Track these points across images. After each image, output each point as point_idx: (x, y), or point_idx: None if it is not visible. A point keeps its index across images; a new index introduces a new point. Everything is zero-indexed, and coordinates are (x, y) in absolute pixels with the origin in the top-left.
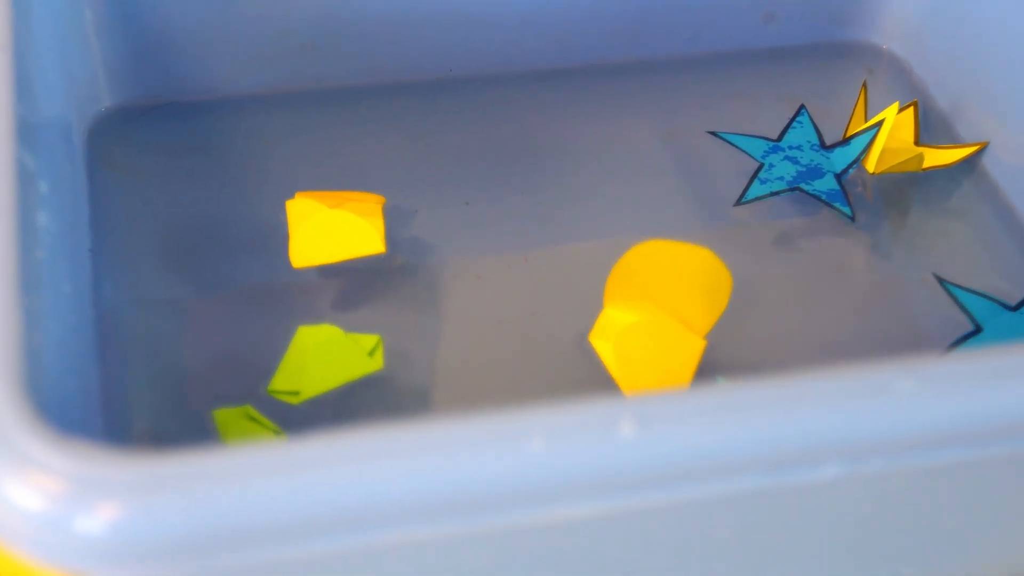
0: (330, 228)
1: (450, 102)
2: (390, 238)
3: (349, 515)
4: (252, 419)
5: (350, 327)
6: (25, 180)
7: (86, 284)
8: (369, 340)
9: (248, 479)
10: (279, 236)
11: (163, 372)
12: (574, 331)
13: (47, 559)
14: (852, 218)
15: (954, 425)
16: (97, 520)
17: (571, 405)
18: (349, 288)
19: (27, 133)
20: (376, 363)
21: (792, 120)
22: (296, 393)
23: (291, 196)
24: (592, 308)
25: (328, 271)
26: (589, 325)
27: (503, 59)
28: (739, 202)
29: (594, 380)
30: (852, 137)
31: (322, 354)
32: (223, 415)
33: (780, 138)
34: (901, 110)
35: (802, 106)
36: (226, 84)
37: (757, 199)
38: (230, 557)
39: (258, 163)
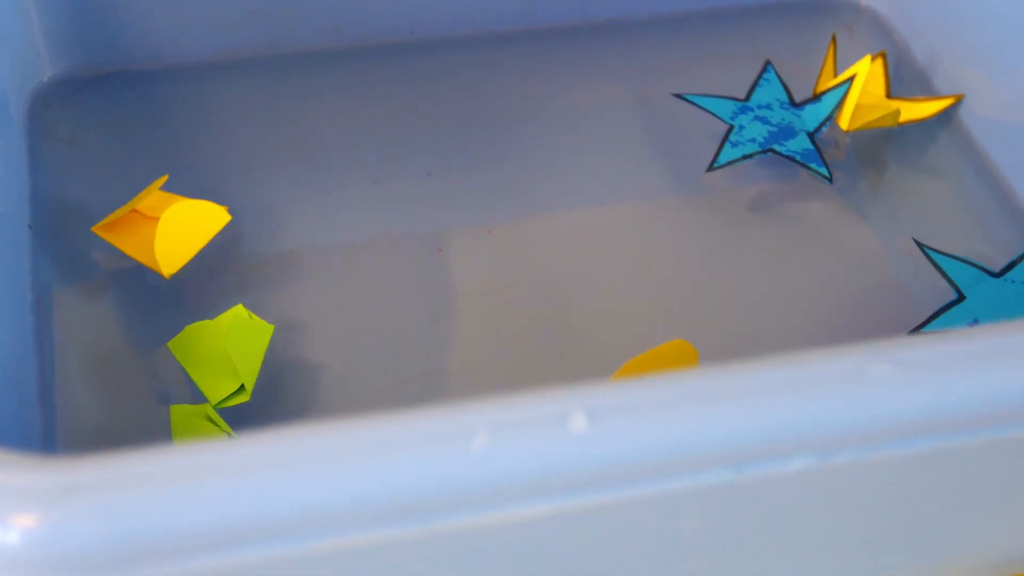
0: (179, 224)
1: (410, 66)
2: (350, 210)
3: (279, 521)
4: (209, 419)
5: (299, 303)
6: None
7: (24, 268)
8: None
9: (171, 484)
10: (231, 210)
11: (104, 359)
12: (540, 307)
13: None
14: (830, 179)
15: (932, 413)
16: (11, 531)
17: (519, 397)
18: (304, 261)
19: None
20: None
21: (758, 77)
22: (241, 389)
23: (244, 167)
24: (559, 283)
25: (282, 242)
26: (556, 301)
27: (467, 21)
28: (711, 167)
29: (560, 357)
30: (823, 93)
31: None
32: (179, 411)
33: (748, 97)
34: (872, 60)
35: (768, 62)
36: (174, 51)
37: (729, 163)
38: (153, 568)
39: (208, 133)
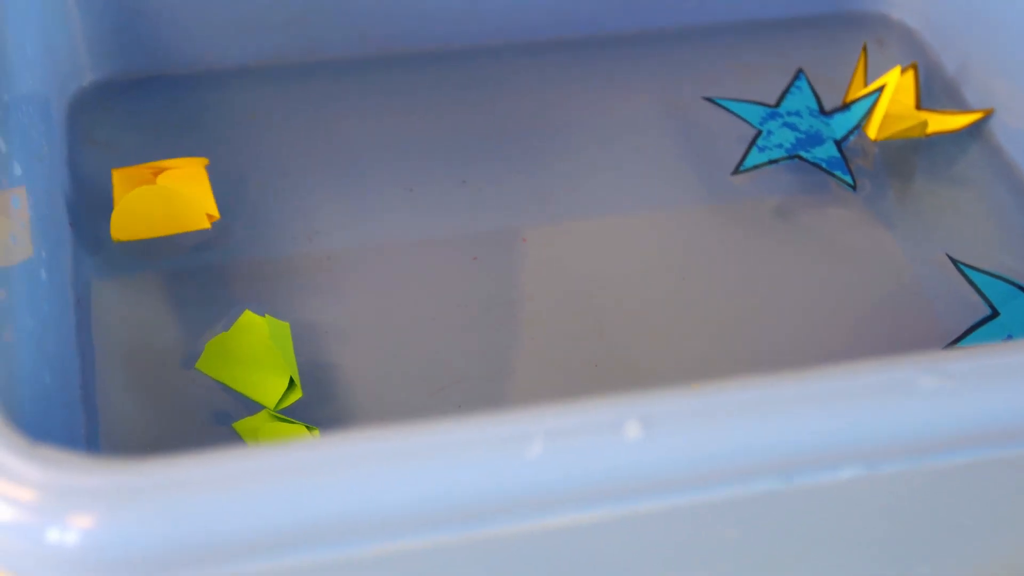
0: (155, 202)
1: (444, 75)
2: (385, 217)
3: (337, 525)
4: (280, 421)
5: (334, 308)
6: None
7: (65, 268)
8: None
9: (227, 488)
10: (267, 214)
11: (145, 359)
12: (574, 314)
13: (19, 571)
14: (853, 187)
15: (979, 425)
16: (70, 531)
17: (573, 405)
18: (338, 267)
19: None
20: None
21: (790, 85)
22: (292, 386)
23: (279, 172)
24: (593, 291)
25: (317, 247)
26: (589, 308)
27: (499, 31)
28: (737, 170)
29: (596, 365)
30: (852, 103)
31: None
32: (245, 426)
33: (778, 104)
34: (903, 72)
35: (800, 70)
36: (212, 57)
37: (756, 167)
38: (209, 569)
39: (243, 138)
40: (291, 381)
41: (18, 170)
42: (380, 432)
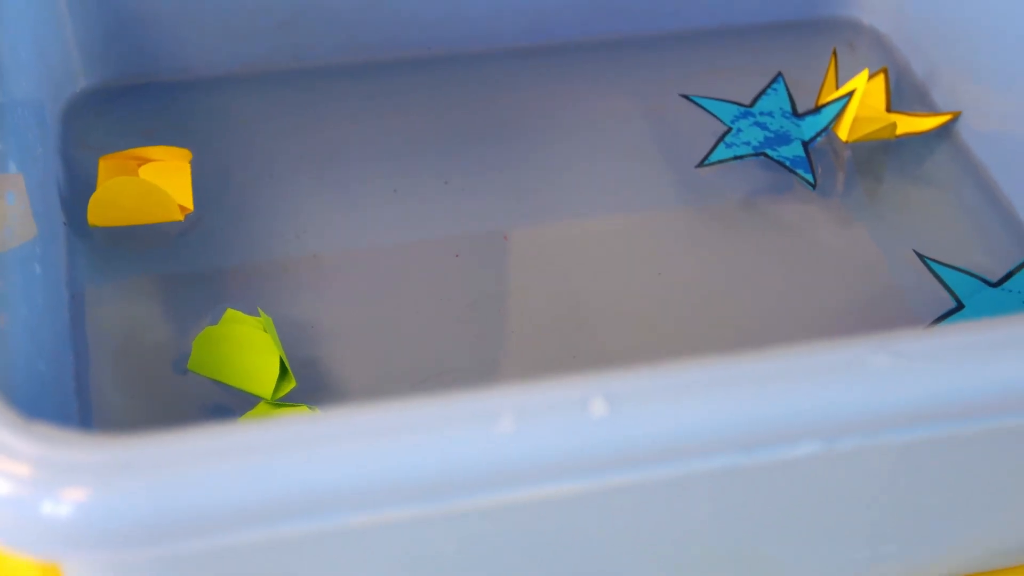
0: (131, 192)
1: (428, 80)
2: (370, 217)
3: (319, 497)
4: (279, 406)
5: (320, 305)
6: None
7: (59, 265)
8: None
9: (217, 461)
10: (256, 216)
11: (137, 355)
12: (554, 310)
13: (14, 544)
14: (813, 186)
15: (932, 401)
16: (63, 504)
17: (541, 383)
18: (325, 266)
19: None
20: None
21: (767, 87)
22: (285, 377)
23: (267, 175)
24: (572, 287)
25: (304, 247)
26: (569, 304)
27: (482, 36)
28: (701, 164)
29: (574, 357)
30: (822, 106)
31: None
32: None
33: (752, 104)
34: (871, 77)
35: (779, 73)
36: (202, 63)
37: (720, 162)
38: (200, 541)
39: (233, 142)
40: (283, 370)
41: (13, 169)
42: (361, 409)
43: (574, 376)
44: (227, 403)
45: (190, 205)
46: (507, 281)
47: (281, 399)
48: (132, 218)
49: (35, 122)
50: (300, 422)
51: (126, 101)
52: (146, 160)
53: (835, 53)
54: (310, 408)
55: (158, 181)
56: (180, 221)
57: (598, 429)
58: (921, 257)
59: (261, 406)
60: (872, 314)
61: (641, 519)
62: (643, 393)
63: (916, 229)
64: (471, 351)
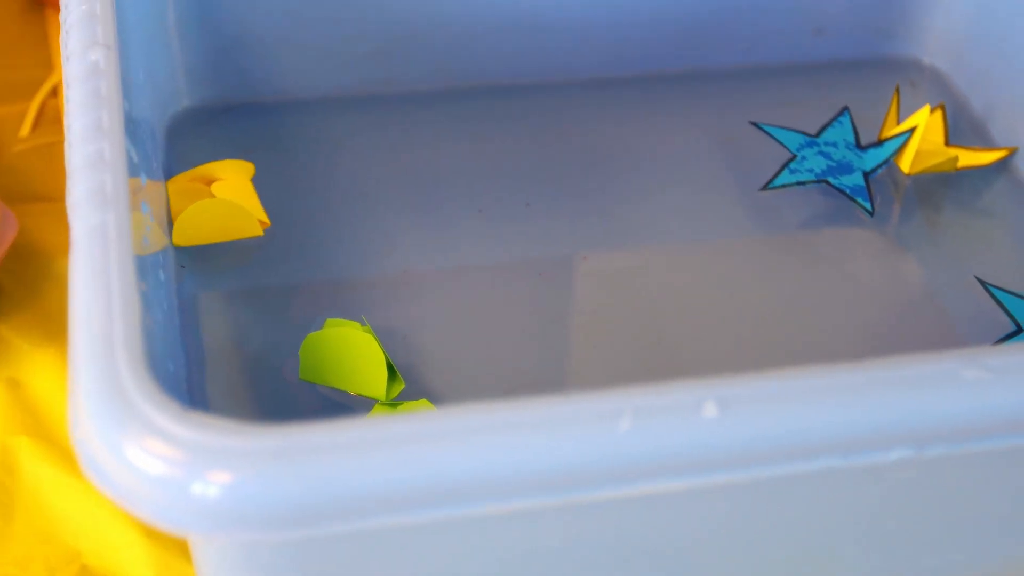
0: (215, 212)
1: (512, 108)
2: (454, 234)
3: (448, 487)
4: (396, 405)
5: (410, 319)
6: (133, 172)
7: (171, 272)
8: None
9: (354, 452)
10: (346, 232)
11: (242, 361)
12: (633, 329)
13: (167, 521)
14: (871, 213)
15: (1019, 413)
16: (212, 486)
17: (658, 387)
18: (414, 282)
19: (131, 127)
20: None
21: (833, 119)
22: (395, 378)
23: (359, 194)
24: (650, 306)
25: (394, 265)
26: (647, 322)
27: (566, 67)
28: (766, 187)
29: (652, 372)
30: (885, 140)
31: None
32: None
33: (818, 134)
34: (932, 112)
35: (845, 107)
36: (298, 86)
37: (783, 186)
38: (334, 525)
39: (327, 163)
40: (391, 372)
41: (143, 180)
42: (490, 407)
43: (688, 381)
44: (331, 406)
45: (266, 219)
46: (586, 300)
47: (394, 399)
48: (214, 236)
49: (150, 138)
50: (430, 418)
51: (226, 121)
52: (211, 179)
53: (898, 89)
54: (430, 404)
55: (229, 197)
56: (260, 236)
57: (709, 430)
58: (982, 282)
59: (379, 407)
60: (929, 337)
61: (735, 517)
62: (751, 398)
63: (974, 258)
64: (555, 368)
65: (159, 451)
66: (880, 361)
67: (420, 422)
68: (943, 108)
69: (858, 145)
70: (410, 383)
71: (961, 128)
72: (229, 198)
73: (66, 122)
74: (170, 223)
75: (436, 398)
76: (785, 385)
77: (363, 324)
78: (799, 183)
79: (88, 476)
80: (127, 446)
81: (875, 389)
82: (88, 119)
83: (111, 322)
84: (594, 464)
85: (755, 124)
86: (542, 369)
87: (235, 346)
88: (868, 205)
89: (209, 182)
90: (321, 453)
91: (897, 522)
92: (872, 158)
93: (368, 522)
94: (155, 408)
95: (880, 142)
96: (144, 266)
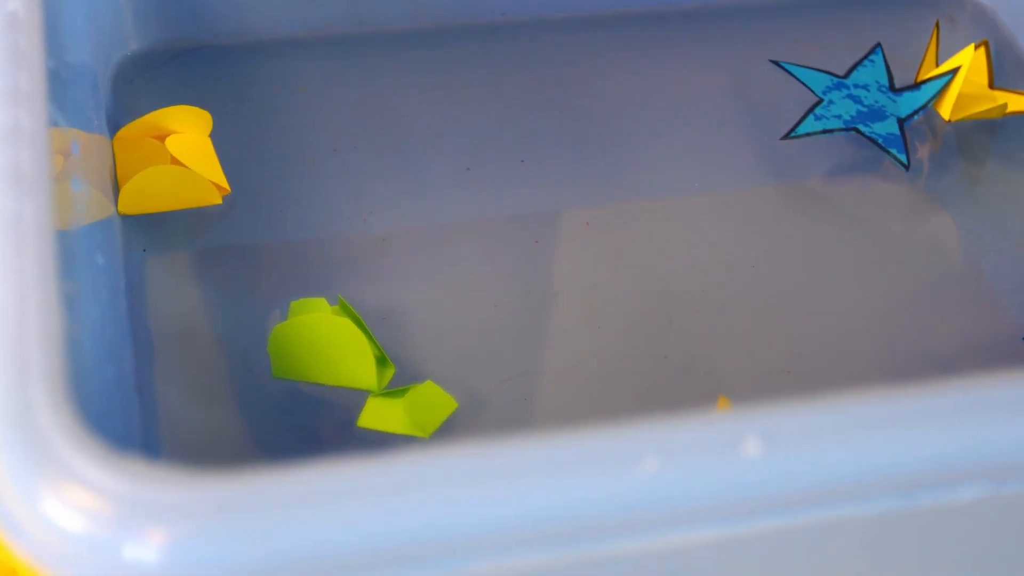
0: (166, 179)
1: (502, 49)
2: (442, 197)
3: (437, 544)
4: (396, 393)
5: (392, 293)
6: (60, 143)
7: (116, 250)
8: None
9: (315, 504)
10: (317, 195)
11: (199, 346)
12: (641, 303)
13: None
14: (907, 167)
15: None
16: (148, 547)
17: (688, 420)
18: (395, 249)
19: (58, 88)
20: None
21: (864, 57)
22: (384, 363)
23: (330, 149)
24: (657, 276)
25: (373, 229)
26: (656, 296)
27: (559, 2)
28: (788, 135)
29: (665, 356)
30: (923, 82)
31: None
32: (371, 418)
33: (847, 75)
34: (975, 50)
35: (878, 44)
36: (261, 26)
37: (807, 135)
38: None
39: (293, 115)
40: (380, 356)
41: (75, 150)
42: (487, 446)
43: (727, 413)
44: (306, 399)
45: (225, 184)
46: (589, 270)
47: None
48: (166, 205)
49: (90, 92)
50: (411, 462)
51: (178, 66)
52: (163, 131)
53: (938, 25)
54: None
55: (185, 159)
56: (219, 204)
57: (750, 470)
58: None
59: (374, 400)
60: (967, 311)
61: (789, 565)
62: (799, 431)
63: (1021, 218)
64: (554, 348)
65: (83, 503)
66: (948, 383)
67: (400, 467)
68: (987, 45)
69: (892, 88)
70: (398, 366)
71: (1007, 69)
72: (184, 158)
73: None
74: (116, 187)
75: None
76: (834, 416)
77: (334, 303)
78: (825, 131)
79: None
80: (44, 497)
81: (944, 416)
82: (3, 82)
83: (24, 341)
84: (613, 512)
85: (776, 63)
86: (539, 353)
87: (191, 331)
88: (903, 157)
89: (160, 135)
90: (280, 506)
91: (972, 561)
92: (908, 103)
93: None
94: (78, 451)
95: (917, 85)
96: (75, 256)
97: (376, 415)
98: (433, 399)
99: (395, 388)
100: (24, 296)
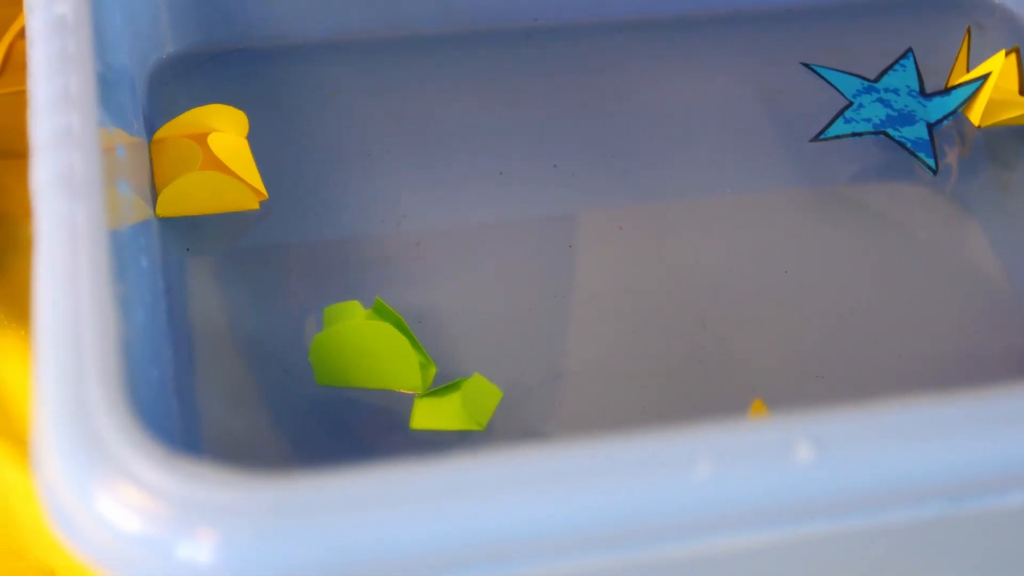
0: (203, 185)
1: (534, 53)
2: (475, 201)
3: (492, 548)
4: (443, 392)
5: (427, 295)
6: (108, 146)
7: (155, 255)
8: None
9: (366, 506)
10: (351, 198)
11: (237, 349)
12: (674, 307)
13: None
14: (935, 171)
15: None
16: (201, 547)
17: (740, 425)
18: (429, 253)
19: (105, 90)
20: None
21: (895, 62)
22: (426, 363)
23: (362, 152)
24: (690, 279)
25: (407, 232)
26: (690, 300)
27: (592, 7)
28: (817, 137)
29: (700, 361)
30: (953, 88)
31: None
32: (422, 418)
33: (878, 79)
34: (1007, 55)
35: (909, 49)
36: (294, 30)
37: (837, 137)
38: None
39: (327, 116)
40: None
41: (121, 153)
42: (540, 450)
43: (777, 418)
44: (333, 397)
45: (262, 189)
46: (622, 274)
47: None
48: (204, 208)
49: (129, 95)
50: (464, 466)
51: (214, 69)
52: (200, 130)
53: (969, 31)
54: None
55: (225, 158)
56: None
57: (802, 475)
58: None
59: (422, 400)
60: (996, 318)
61: (837, 569)
62: (851, 436)
63: None
64: (587, 352)
65: (138, 504)
66: (996, 389)
67: (452, 470)
68: (1018, 52)
69: (922, 93)
70: (436, 366)
71: None
72: (225, 158)
73: (29, 87)
74: (153, 191)
75: None
76: (887, 420)
77: (368, 306)
78: (855, 134)
79: (54, 529)
80: (100, 497)
81: (990, 422)
82: (54, 86)
83: (81, 343)
84: (666, 517)
85: (806, 65)
86: (573, 358)
87: (230, 332)
88: (931, 162)
89: (197, 135)
90: (332, 508)
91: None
92: (938, 108)
93: None
94: (134, 451)
95: (947, 90)
96: (123, 259)
97: (428, 415)
98: (483, 390)
99: (442, 386)
100: (80, 298)
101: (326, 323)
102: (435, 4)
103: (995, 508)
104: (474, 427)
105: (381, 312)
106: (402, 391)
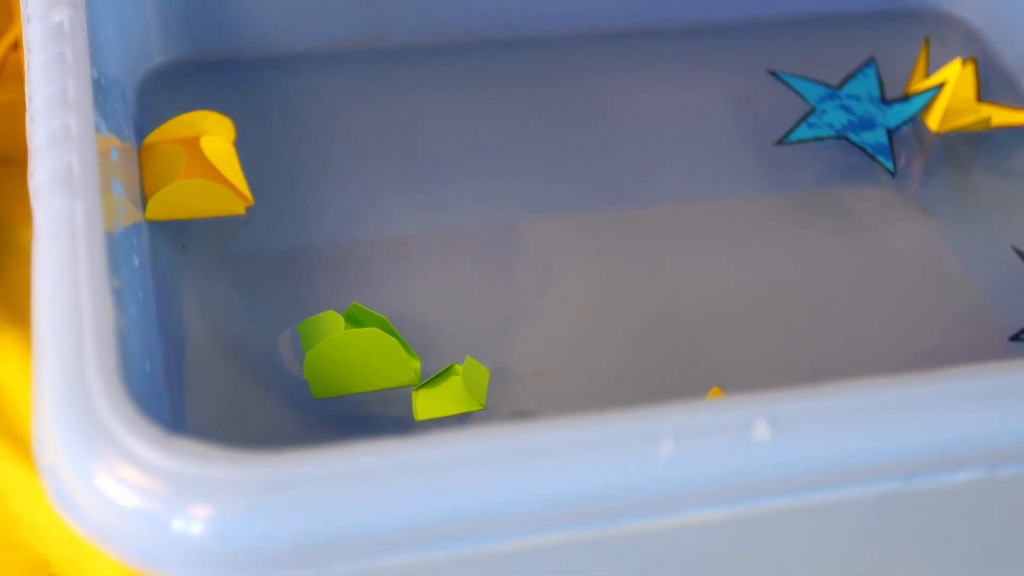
0: (191, 191)
1: (514, 63)
2: (454, 202)
3: (467, 521)
4: (437, 381)
5: (408, 297)
6: (103, 148)
7: (144, 253)
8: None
9: (355, 482)
10: (336, 202)
11: (225, 348)
12: (648, 306)
13: (143, 560)
14: (893, 173)
15: None
16: (195, 521)
17: (701, 405)
18: (412, 256)
19: (100, 96)
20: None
21: (857, 70)
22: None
23: (349, 159)
24: (663, 280)
25: (390, 237)
26: (663, 300)
27: (569, 20)
28: (781, 141)
29: (677, 359)
30: (912, 95)
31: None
32: (424, 408)
33: (841, 86)
34: (963, 66)
35: (872, 57)
36: (281, 41)
37: (800, 141)
38: (335, 565)
39: (312, 124)
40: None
41: (115, 155)
42: (511, 430)
43: (736, 398)
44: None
45: (248, 194)
46: (600, 276)
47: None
48: (192, 213)
49: (120, 102)
50: (444, 443)
51: (202, 78)
52: (188, 135)
53: (927, 41)
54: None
55: (216, 161)
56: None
57: (760, 453)
58: (1020, 253)
59: (420, 392)
60: (956, 313)
61: (792, 544)
62: (807, 416)
63: (1005, 226)
64: (565, 349)
65: (135, 480)
66: (946, 372)
67: (434, 448)
68: (975, 62)
69: (883, 99)
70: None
71: (992, 85)
72: (215, 160)
73: (28, 92)
74: (143, 194)
75: None
76: (842, 401)
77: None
78: (817, 138)
79: (54, 507)
80: (99, 474)
81: (942, 404)
82: (52, 90)
83: (81, 331)
84: (632, 492)
85: (773, 73)
86: (550, 356)
87: (215, 333)
88: (890, 165)
89: (185, 139)
90: (322, 483)
91: (965, 549)
92: (897, 114)
93: (375, 561)
94: (132, 431)
95: (906, 97)
96: (117, 256)
97: (430, 404)
98: (476, 372)
99: (435, 374)
100: (78, 289)
101: (303, 338)
102: (419, 16)
103: (943, 485)
104: (476, 407)
105: (359, 315)
106: (397, 388)
